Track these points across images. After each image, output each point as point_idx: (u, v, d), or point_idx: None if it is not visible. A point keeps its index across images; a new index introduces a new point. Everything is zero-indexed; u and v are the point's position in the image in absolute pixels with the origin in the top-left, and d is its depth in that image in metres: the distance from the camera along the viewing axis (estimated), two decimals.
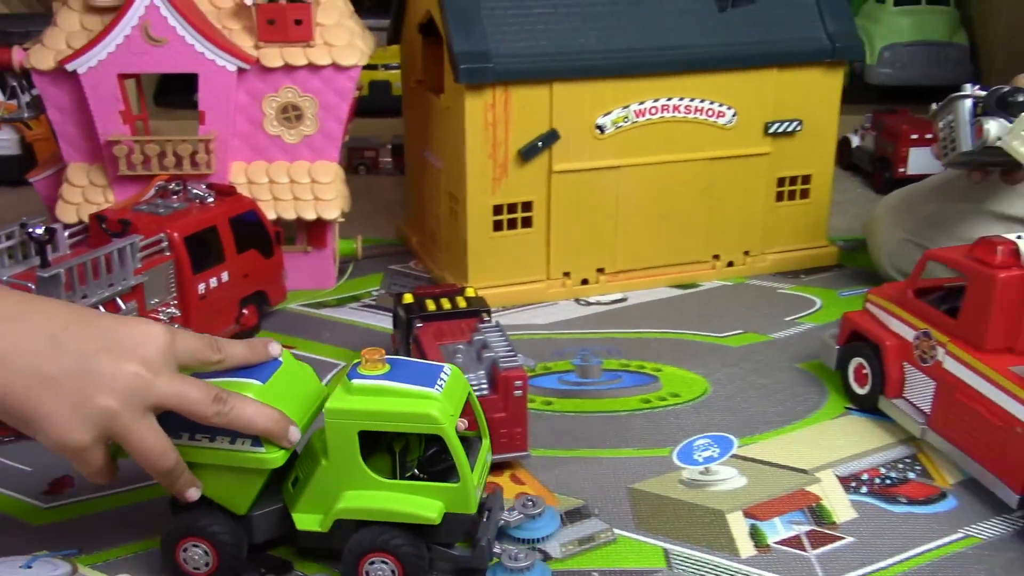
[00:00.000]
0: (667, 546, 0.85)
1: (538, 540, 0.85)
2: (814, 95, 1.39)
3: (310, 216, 1.32)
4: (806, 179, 1.44)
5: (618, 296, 1.38)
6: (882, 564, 0.83)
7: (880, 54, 2.06)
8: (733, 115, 1.36)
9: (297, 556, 0.83)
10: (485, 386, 0.92)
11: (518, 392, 0.92)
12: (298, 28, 1.27)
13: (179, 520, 0.79)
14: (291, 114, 1.31)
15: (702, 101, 1.34)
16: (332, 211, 1.33)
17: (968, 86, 1.15)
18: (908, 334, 1.02)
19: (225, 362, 0.78)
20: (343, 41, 1.29)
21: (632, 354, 1.21)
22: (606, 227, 1.36)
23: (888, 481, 0.95)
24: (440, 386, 0.78)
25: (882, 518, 0.89)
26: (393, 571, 0.77)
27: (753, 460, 0.99)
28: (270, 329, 1.27)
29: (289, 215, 1.32)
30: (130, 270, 1.05)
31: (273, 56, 1.28)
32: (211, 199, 1.19)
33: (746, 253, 1.44)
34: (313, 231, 1.36)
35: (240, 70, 1.27)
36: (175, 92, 2.23)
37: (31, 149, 1.77)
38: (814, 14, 1.37)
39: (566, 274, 1.37)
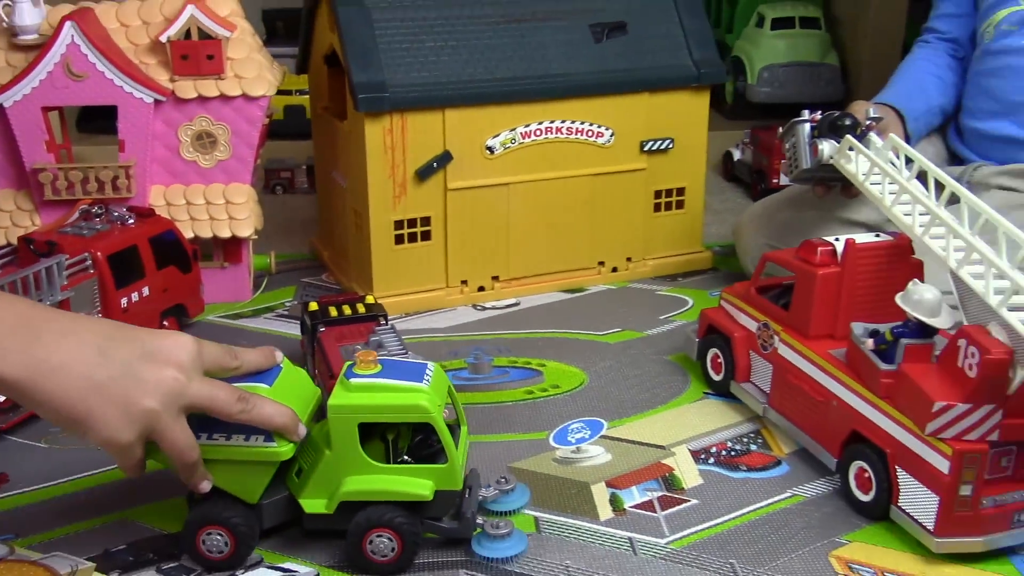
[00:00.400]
0: (537, 514, 0.99)
1: (512, 511, 0.97)
2: (683, 115, 1.54)
3: (225, 234, 1.43)
4: (680, 191, 1.59)
5: (512, 301, 1.52)
6: (719, 520, 0.98)
7: (760, 74, 2.23)
8: (611, 135, 1.51)
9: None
10: None
11: None
12: (210, 62, 1.39)
13: (197, 511, 0.89)
14: (205, 141, 1.43)
15: (582, 123, 1.48)
16: (246, 229, 1.44)
17: (806, 112, 1.31)
18: (752, 326, 1.17)
19: (242, 368, 0.88)
20: (252, 74, 1.41)
21: (520, 352, 1.34)
22: (499, 238, 1.49)
23: (732, 453, 1.10)
24: (427, 380, 0.89)
25: (724, 483, 1.04)
26: (393, 544, 0.88)
27: (619, 439, 1.13)
28: None
29: (206, 234, 1.43)
30: (57, 287, 1.16)
31: (187, 88, 1.40)
32: (132, 220, 1.30)
33: (628, 259, 1.59)
34: (229, 248, 1.47)
35: (157, 101, 1.38)
36: (97, 119, 2.31)
37: None
38: (681, 43, 1.53)
39: (464, 282, 1.50)
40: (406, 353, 1.07)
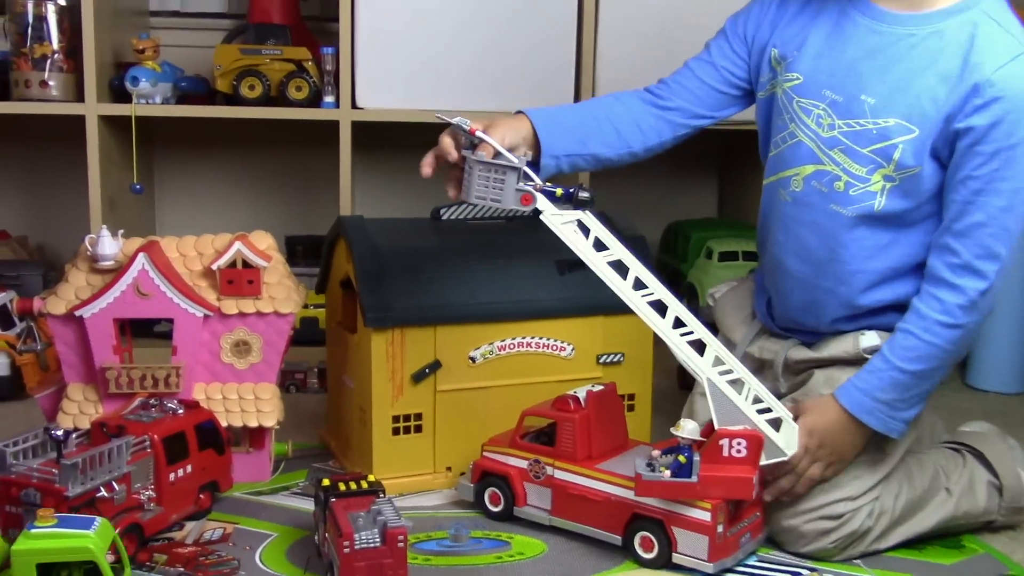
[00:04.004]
0: None
1: None
2: (632, 335, 1.88)
3: (253, 424, 1.74)
4: (631, 397, 1.91)
5: None
6: None
7: (709, 298, 2.59)
8: (572, 349, 1.84)
9: None
10: (378, 540, 1.33)
11: (400, 544, 1.33)
12: (250, 286, 1.73)
13: None
14: (242, 348, 1.75)
15: (548, 339, 1.82)
16: (270, 420, 1.75)
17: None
18: (523, 464, 1.58)
19: None
20: (283, 295, 1.75)
21: (493, 528, 1.62)
22: (479, 432, 1.79)
23: None
24: (94, 529, 1.18)
25: None
26: None
27: None
28: (221, 510, 1.65)
29: (237, 423, 1.73)
30: (124, 461, 1.45)
31: (230, 306, 1.73)
32: (180, 410, 1.61)
33: None
34: (254, 436, 1.77)
35: (205, 316, 1.72)
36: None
37: (19, 371, 2.16)
38: None
39: (448, 468, 1.79)
40: (399, 519, 1.35)
